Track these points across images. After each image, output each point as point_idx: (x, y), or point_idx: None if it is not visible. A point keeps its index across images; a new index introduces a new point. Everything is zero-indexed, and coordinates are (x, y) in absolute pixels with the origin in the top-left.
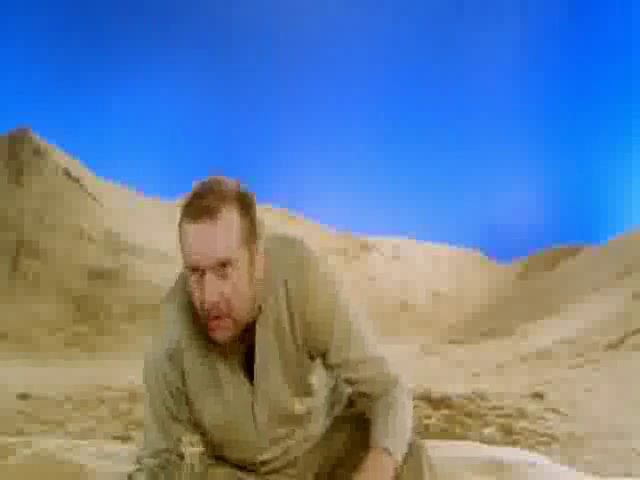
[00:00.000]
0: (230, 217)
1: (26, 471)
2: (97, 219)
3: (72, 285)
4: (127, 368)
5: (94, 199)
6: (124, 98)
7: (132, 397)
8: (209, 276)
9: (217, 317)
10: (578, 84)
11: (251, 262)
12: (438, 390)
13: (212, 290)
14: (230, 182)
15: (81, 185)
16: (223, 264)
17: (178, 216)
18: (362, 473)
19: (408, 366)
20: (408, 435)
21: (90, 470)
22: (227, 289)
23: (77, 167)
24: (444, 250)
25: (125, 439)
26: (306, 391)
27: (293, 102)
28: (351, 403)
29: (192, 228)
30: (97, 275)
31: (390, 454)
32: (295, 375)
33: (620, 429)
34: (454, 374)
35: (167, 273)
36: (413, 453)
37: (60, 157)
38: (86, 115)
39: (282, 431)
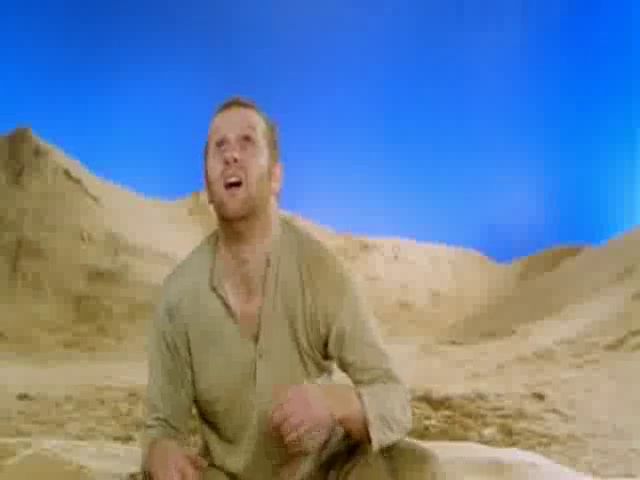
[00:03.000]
0: (258, 116)
1: (26, 471)
2: (97, 219)
3: (72, 285)
4: (127, 368)
5: (94, 199)
6: (124, 98)
7: (132, 397)
8: (232, 144)
9: (232, 185)
10: (578, 84)
11: (269, 158)
12: (438, 390)
13: (233, 151)
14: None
15: (81, 185)
16: (246, 137)
17: (178, 216)
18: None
19: (408, 366)
20: (397, 425)
21: (90, 470)
22: (245, 156)
23: (77, 167)
24: (444, 250)
25: (125, 439)
26: (315, 362)
27: (293, 102)
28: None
29: (222, 114)
30: (97, 275)
31: (363, 402)
32: (302, 343)
33: (620, 429)
34: (454, 374)
35: (167, 273)
36: (420, 461)
37: (60, 157)
38: (86, 115)
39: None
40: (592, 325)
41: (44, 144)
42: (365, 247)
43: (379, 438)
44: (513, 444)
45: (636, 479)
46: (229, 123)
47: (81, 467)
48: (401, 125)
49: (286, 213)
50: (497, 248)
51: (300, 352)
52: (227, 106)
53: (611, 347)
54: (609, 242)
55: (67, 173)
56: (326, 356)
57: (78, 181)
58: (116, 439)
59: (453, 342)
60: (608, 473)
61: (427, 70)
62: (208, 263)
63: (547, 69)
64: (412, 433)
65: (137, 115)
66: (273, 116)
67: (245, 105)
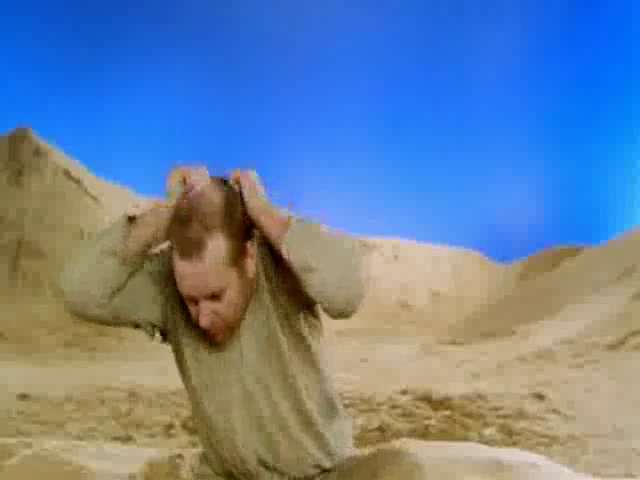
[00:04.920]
0: (217, 246)
1: (26, 471)
2: (97, 219)
3: None
4: (127, 368)
5: (94, 199)
6: (124, 98)
7: (132, 397)
8: (203, 304)
9: (213, 332)
10: (578, 84)
11: (242, 275)
12: (438, 390)
13: (207, 314)
14: (213, 198)
15: (81, 185)
16: (213, 295)
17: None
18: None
19: (408, 366)
20: (324, 233)
21: (90, 470)
22: (222, 308)
23: (77, 167)
24: (444, 250)
25: (125, 440)
26: (297, 333)
27: (292, 102)
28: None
29: (181, 265)
30: None
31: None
32: (282, 312)
33: (620, 429)
34: (454, 374)
35: None
36: (400, 462)
37: (60, 157)
38: (86, 115)
39: (266, 370)
40: (592, 325)
41: (44, 144)
42: (365, 247)
43: (295, 234)
44: (513, 444)
45: (636, 479)
46: (193, 283)
47: (81, 467)
48: (401, 125)
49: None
50: (497, 248)
51: (283, 323)
52: (183, 253)
53: (611, 347)
54: (609, 242)
55: (67, 173)
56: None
57: (78, 181)
58: (116, 439)
59: (453, 342)
60: (608, 473)
61: (427, 70)
62: None
63: (547, 69)
64: (412, 433)
65: (137, 115)
66: (273, 116)
67: (201, 248)
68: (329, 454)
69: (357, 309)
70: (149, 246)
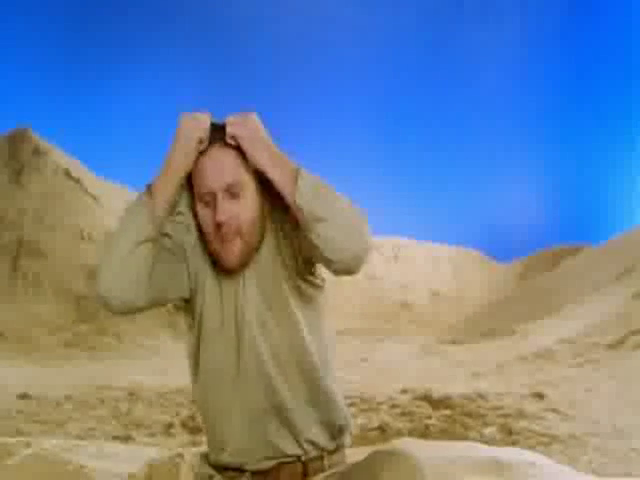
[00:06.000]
0: (236, 152)
1: (26, 471)
2: (97, 219)
3: (72, 285)
4: (127, 368)
5: (94, 198)
6: (124, 98)
7: (132, 397)
8: (221, 197)
9: (228, 239)
10: (578, 84)
11: (256, 191)
12: (438, 390)
13: (224, 208)
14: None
15: (81, 185)
16: (232, 185)
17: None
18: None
19: (408, 366)
20: (332, 196)
21: (90, 470)
22: (237, 208)
23: (77, 167)
24: (444, 250)
25: (125, 439)
26: (297, 285)
27: (293, 102)
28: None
29: (204, 158)
30: None
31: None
32: (285, 264)
33: (620, 429)
34: (454, 374)
35: None
36: (399, 463)
37: (60, 157)
38: (86, 115)
39: (268, 314)
40: (592, 325)
41: (44, 144)
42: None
43: (306, 184)
44: (513, 443)
45: (636, 479)
46: (214, 170)
47: (81, 467)
48: (401, 125)
49: None
50: (497, 248)
51: (288, 272)
52: (210, 143)
53: (611, 347)
54: (609, 242)
55: (67, 173)
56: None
57: (78, 180)
58: (116, 439)
59: (453, 342)
60: (608, 473)
61: (427, 70)
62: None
63: (547, 69)
64: (412, 433)
65: (137, 115)
66: (273, 116)
67: (223, 145)
68: (339, 429)
69: (362, 264)
70: (174, 202)
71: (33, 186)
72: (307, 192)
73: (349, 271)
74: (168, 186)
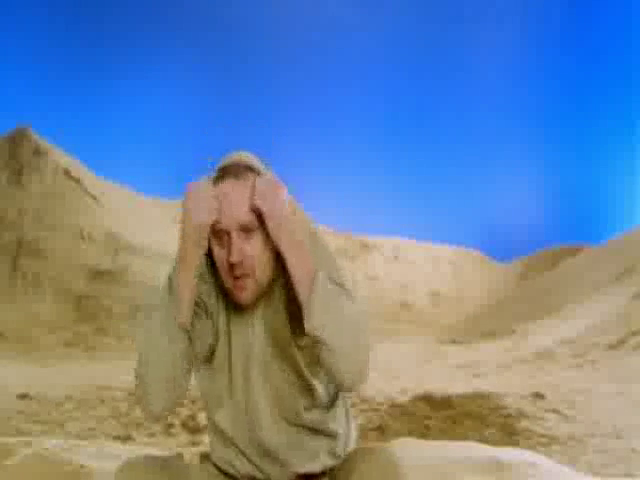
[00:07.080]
0: (253, 183)
1: (26, 471)
2: (97, 219)
3: (72, 285)
4: (127, 368)
5: (94, 198)
6: (124, 98)
7: (132, 397)
8: (235, 236)
9: (241, 277)
10: (578, 84)
11: (268, 239)
12: (438, 390)
13: (238, 248)
14: (253, 159)
15: (81, 185)
16: (247, 227)
17: (178, 215)
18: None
19: (408, 366)
20: (345, 296)
21: (90, 470)
22: (250, 249)
23: (77, 167)
24: (444, 250)
25: (125, 439)
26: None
27: (293, 102)
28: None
29: (220, 187)
30: (97, 275)
31: (317, 270)
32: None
33: (620, 429)
34: (454, 374)
35: (167, 273)
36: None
37: (60, 157)
38: (86, 115)
39: (275, 351)
40: (592, 325)
41: (44, 143)
42: (365, 247)
43: (324, 286)
44: (513, 444)
45: (636, 479)
46: (229, 207)
47: (81, 467)
48: (401, 125)
49: None
50: (497, 248)
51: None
52: (223, 177)
53: (611, 347)
54: (609, 242)
55: (67, 172)
56: None
57: (78, 180)
58: (116, 438)
59: (453, 342)
60: (608, 473)
61: (427, 70)
62: None
63: (547, 69)
64: (412, 433)
65: (137, 114)
66: (273, 116)
67: (240, 174)
68: (332, 453)
69: (359, 387)
70: (195, 286)
71: (33, 186)
72: (318, 308)
73: (346, 390)
74: (189, 279)
